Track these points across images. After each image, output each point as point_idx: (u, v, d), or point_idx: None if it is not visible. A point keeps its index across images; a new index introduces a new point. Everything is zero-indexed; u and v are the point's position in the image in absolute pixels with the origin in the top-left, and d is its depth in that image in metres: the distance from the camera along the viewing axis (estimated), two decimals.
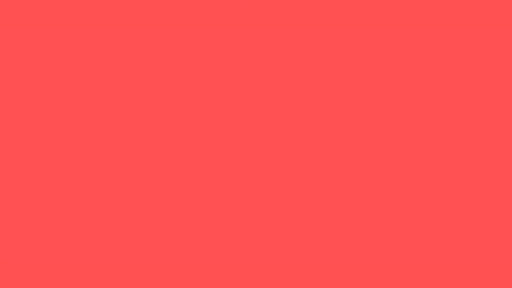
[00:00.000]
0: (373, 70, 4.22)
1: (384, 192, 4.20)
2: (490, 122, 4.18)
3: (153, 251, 4.21)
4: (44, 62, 4.23)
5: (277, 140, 4.23)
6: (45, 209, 4.21)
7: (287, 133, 4.22)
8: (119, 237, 4.21)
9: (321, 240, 4.20)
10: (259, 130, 4.23)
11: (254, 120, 4.24)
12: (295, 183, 4.21)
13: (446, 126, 4.20)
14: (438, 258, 4.18)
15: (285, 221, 4.21)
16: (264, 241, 4.21)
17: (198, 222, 4.22)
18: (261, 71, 4.23)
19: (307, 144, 4.22)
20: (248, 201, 4.22)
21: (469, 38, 4.18)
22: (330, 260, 4.19)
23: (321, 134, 4.21)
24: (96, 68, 4.23)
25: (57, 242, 4.21)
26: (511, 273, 4.14)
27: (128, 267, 4.20)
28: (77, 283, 4.18)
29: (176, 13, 4.22)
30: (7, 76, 4.24)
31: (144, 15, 4.23)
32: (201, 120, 4.24)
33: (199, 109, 4.25)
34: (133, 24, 4.23)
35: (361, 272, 4.17)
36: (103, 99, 4.24)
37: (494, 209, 4.19)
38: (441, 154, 4.20)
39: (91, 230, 4.21)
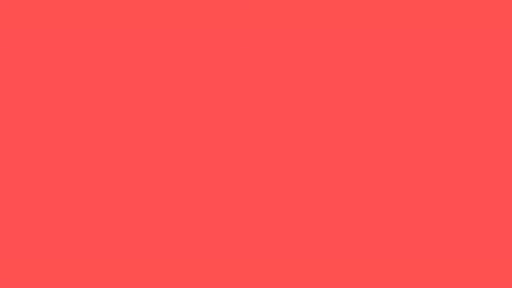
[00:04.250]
0: (373, 70, 4.22)
1: (383, 191, 4.20)
2: (490, 122, 4.19)
3: (153, 250, 4.21)
4: (44, 62, 4.23)
5: (277, 139, 4.23)
6: (45, 208, 4.22)
7: (287, 133, 4.22)
8: (119, 237, 4.21)
9: (320, 239, 4.20)
10: (259, 130, 4.23)
11: (254, 120, 4.24)
12: (295, 183, 4.21)
13: (446, 126, 4.20)
14: (438, 256, 4.18)
15: (285, 220, 4.21)
16: (264, 240, 4.21)
17: (198, 221, 4.22)
18: (261, 71, 4.23)
19: (307, 143, 4.22)
20: (248, 201, 4.22)
21: (469, 38, 4.18)
22: (329, 258, 4.19)
23: (320, 133, 4.22)
24: (96, 68, 4.24)
25: (57, 241, 4.21)
26: (510, 272, 4.15)
27: (127, 265, 4.20)
28: (77, 282, 4.18)
29: (176, 13, 4.22)
30: (7, 76, 4.24)
31: (144, 15, 4.23)
32: (201, 120, 4.24)
33: (199, 109, 4.25)
34: (133, 24, 4.23)
35: (360, 269, 4.18)
36: (103, 99, 4.24)
37: (494, 208, 4.19)
38: (441, 154, 4.20)
39: (91, 229, 4.22)
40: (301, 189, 4.21)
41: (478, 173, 4.19)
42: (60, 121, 4.24)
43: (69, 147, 4.23)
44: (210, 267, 4.20)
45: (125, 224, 4.21)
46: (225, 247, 4.21)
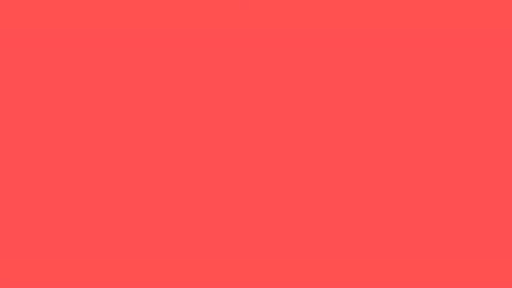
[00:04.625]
0: (373, 70, 4.22)
1: (383, 191, 4.20)
2: (490, 122, 4.19)
3: (153, 250, 4.21)
4: (44, 62, 4.23)
5: (277, 139, 4.23)
6: (45, 208, 4.21)
7: (287, 133, 4.22)
8: (119, 237, 4.21)
9: (320, 239, 4.20)
10: (259, 130, 4.23)
11: (254, 120, 4.24)
12: (295, 183, 4.21)
13: (446, 125, 4.20)
14: (438, 256, 4.18)
15: (285, 220, 4.21)
16: (264, 240, 4.21)
17: (198, 221, 4.22)
18: (261, 71, 4.23)
19: (307, 143, 4.22)
20: (248, 201, 4.22)
21: (469, 38, 4.18)
22: (329, 258, 4.19)
23: (320, 133, 4.22)
24: (96, 68, 4.23)
25: (57, 241, 4.21)
26: (511, 272, 4.14)
27: (127, 265, 4.20)
28: (77, 282, 4.18)
29: (176, 13, 4.22)
30: (7, 76, 4.24)
31: (144, 15, 4.22)
32: (200, 120, 4.24)
33: (199, 109, 4.25)
34: (133, 24, 4.23)
35: (360, 269, 4.17)
36: (103, 99, 4.24)
37: (494, 208, 4.19)
38: (441, 154, 4.20)
39: (91, 229, 4.22)
40: (301, 189, 4.21)
41: (478, 173, 4.19)
42: (60, 121, 4.24)
43: (69, 147, 4.23)
44: (210, 267, 4.19)
45: (125, 224, 4.21)
46: (225, 247, 4.21)
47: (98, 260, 4.20)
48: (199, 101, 4.24)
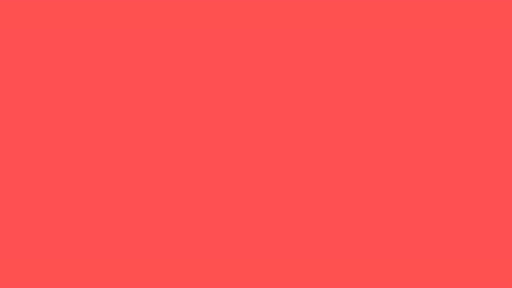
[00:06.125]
0: (373, 70, 4.22)
1: (383, 191, 4.20)
2: (490, 122, 4.19)
3: (153, 250, 4.21)
4: (44, 62, 4.23)
5: (277, 139, 4.23)
6: (45, 208, 4.22)
7: (287, 133, 4.22)
8: (119, 237, 4.21)
9: (320, 239, 4.20)
10: (259, 130, 4.24)
11: (254, 120, 4.24)
12: (295, 183, 4.21)
13: (446, 126, 4.20)
14: (438, 256, 4.18)
15: (285, 220, 4.22)
16: (264, 240, 4.21)
17: (198, 221, 4.23)
18: (261, 71, 4.23)
19: (307, 143, 4.22)
20: (248, 201, 4.22)
21: (469, 38, 4.18)
22: (329, 258, 4.19)
23: (320, 133, 4.22)
24: (96, 68, 4.24)
25: (57, 241, 4.21)
26: (511, 272, 4.15)
27: (127, 265, 4.20)
28: (77, 282, 4.19)
29: (176, 13, 4.23)
30: (7, 76, 4.24)
31: (144, 15, 4.23)
32: (200, 120, 4.24)
33: (199, 109, 4.25)
34: (133, 24, 4.23)
35: (360, 269, 4.18)
36: (103, 99, 4.25)
37: (494, 208, 4.19)
38: (441, 154, 4.20)
39: (91, 229, 4.22)
40: (301, 189, 4.21)
41: (478, 173, 4.19)
42: (60, 121, 4.24)
43: (69, 147, 4.23)
44: (210, 267, 4.20)
45: (125, 224, 4.21)
46: (225, 247, 4.21)
47: (98, 259, 4.20)
48: (199, 100, 4.24)
